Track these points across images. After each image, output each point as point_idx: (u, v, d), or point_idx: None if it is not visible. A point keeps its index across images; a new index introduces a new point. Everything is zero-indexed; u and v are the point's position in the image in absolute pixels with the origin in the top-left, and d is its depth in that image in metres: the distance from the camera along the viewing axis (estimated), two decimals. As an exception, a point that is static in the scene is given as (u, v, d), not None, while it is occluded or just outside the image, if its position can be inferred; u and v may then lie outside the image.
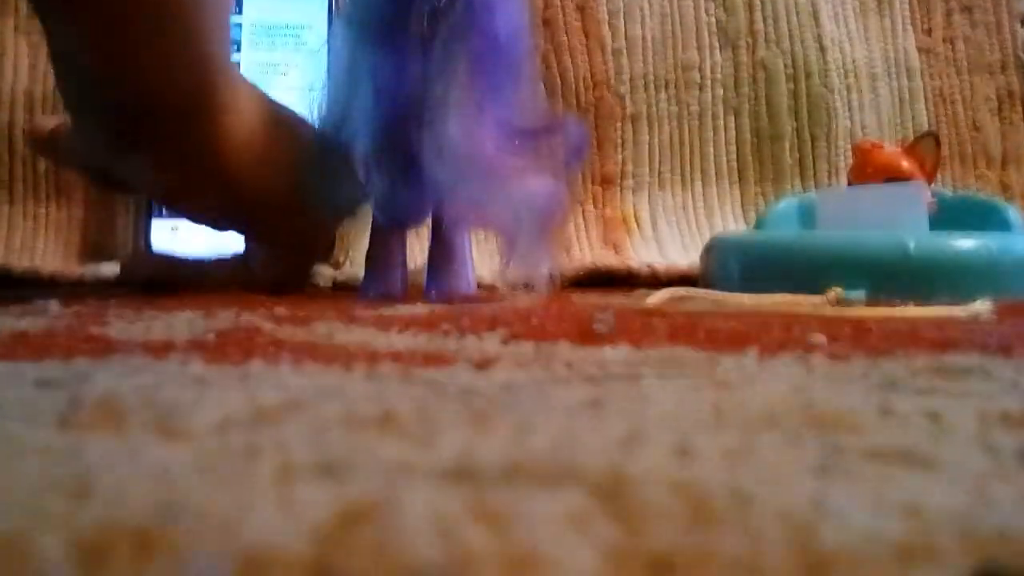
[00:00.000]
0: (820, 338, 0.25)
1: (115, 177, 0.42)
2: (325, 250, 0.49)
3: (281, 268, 0.44)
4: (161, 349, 0.22)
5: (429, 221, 0.41)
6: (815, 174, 0.65)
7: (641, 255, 0.60)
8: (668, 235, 0.62)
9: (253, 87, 0.42)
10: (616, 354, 0.22)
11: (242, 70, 0.58)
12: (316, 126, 0.40)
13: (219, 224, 0.45)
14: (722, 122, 0.65)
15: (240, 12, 0.60)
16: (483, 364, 0.20)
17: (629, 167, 0.63)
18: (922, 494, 0.11)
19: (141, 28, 0.36)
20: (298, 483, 0.11)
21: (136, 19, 0.35)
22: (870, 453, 0.13)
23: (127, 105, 0.38)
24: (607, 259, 0.57)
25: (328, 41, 0.41)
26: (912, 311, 0.32)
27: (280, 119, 0.42)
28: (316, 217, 0.42)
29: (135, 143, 0.39)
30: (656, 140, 0.64)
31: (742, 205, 0.64)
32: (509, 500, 0.10)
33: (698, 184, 0.64)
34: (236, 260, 0.45)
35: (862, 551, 0.09)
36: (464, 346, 0.23)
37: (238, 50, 0.59)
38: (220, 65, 0.39)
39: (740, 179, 0.65)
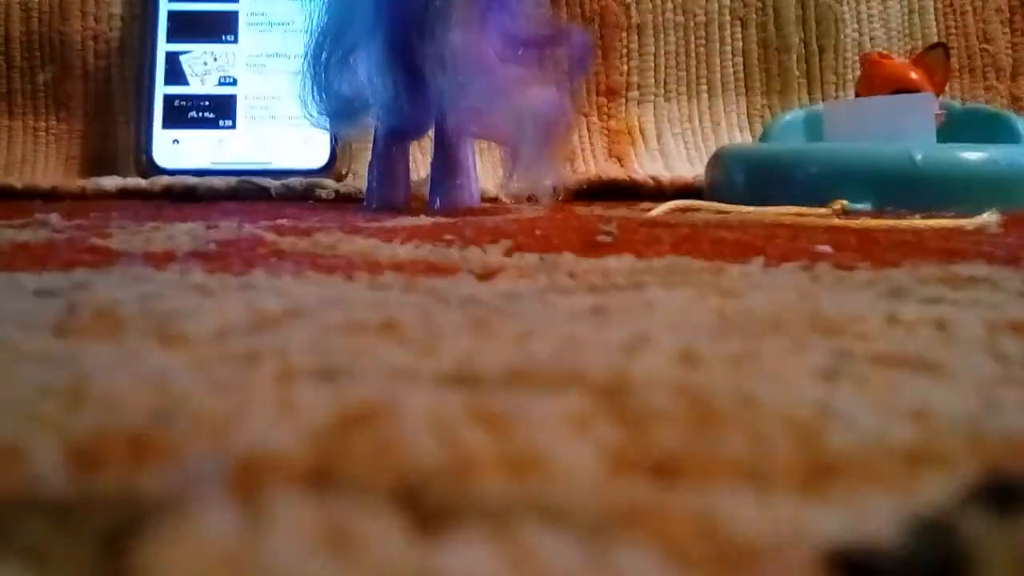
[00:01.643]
0: (826, 247, 0.25)
1: None
2: None
3: None
4: (162, 259, 0.22)
5: (432, 132, 0.41)
6: (822, 86, 0.64)
7: (646, 167, 0.59)
8: (673, 147, 0.62)
9: None
10: (620, 264, 0.21)
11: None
12: (317, 34, 0.40)
13: None
14: (728, 33, 0.64)
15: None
16: (486, 274, 0.20)
17: (634, 78, 0.63)
18: (929, 399, 0.10)
19: None
20: (297, 387, 0.11)
21: None
22: (877, 359, 0.12)
23: None
24: (611, 171, 0.57)
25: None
26: (919, 222, 0.32)
27: None
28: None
29: None
30: (661, 51, 0.63)
31: (748, 117, 0.64)
32: (510, 404, 0.10)
33: (704, 96, 0.63)
34: None
35: (869, 454, 0.09)
36: (467, 257, 0.23)
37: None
38: None
39: (746, 91, 0.64)
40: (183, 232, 0.29)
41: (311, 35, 0.40)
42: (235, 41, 0.57)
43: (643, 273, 0.20)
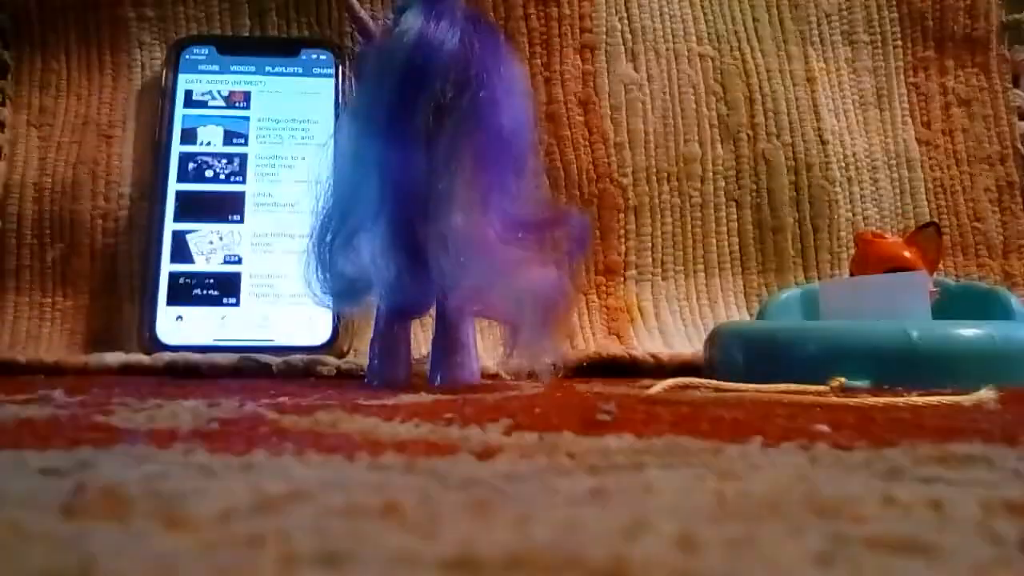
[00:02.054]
0: (824, 427, 0.25)
1: None
2: None
3: None
4: (165, 438, 0.22)
5: (433, 310, 0.42)
6: (817, 265, 0.65)
7: (644, 344, 0.60)
8: (671, 324, 0.62)
9: None
10: (619, 443, 0.22)
11: (249, 164, 0.59)
12: (322, 216, 0.40)
13: None
14: (724, 213, 0.65)
15: (248, 106, 0.61)
16: (486, 454, 0.20)
17: (632, 257, 0.64)
18: (924, 583, 0.11)
19: None
20: (300, 572, 0.11)
21: None
22: (873, 542, 0.13)
23: None
24: (611, 348, 0.57)
25: (334, 134, 0.42)
26: (916, 399, 0.32)
27: None
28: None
29: None
30: (659, 231, 0.64)
31: (745, 295, 0.64)
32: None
33: (701, 274, 0.64)
34: None
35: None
36: (467, 436, 0.23)
37: (245, 143, 0.60)
38: None
39: (743, 269, 0.65)
40: (185, 410, 0.29)
41: (316, 217, 0.41)
42: (241, 221, 0.58)
43: (642, 453, 0.20)
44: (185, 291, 0.57)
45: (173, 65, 0.62)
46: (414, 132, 0.38)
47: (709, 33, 0.68)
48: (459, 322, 0.41)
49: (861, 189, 0.67)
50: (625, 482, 0.17)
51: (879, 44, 0.70)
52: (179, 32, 0.65)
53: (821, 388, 0.36)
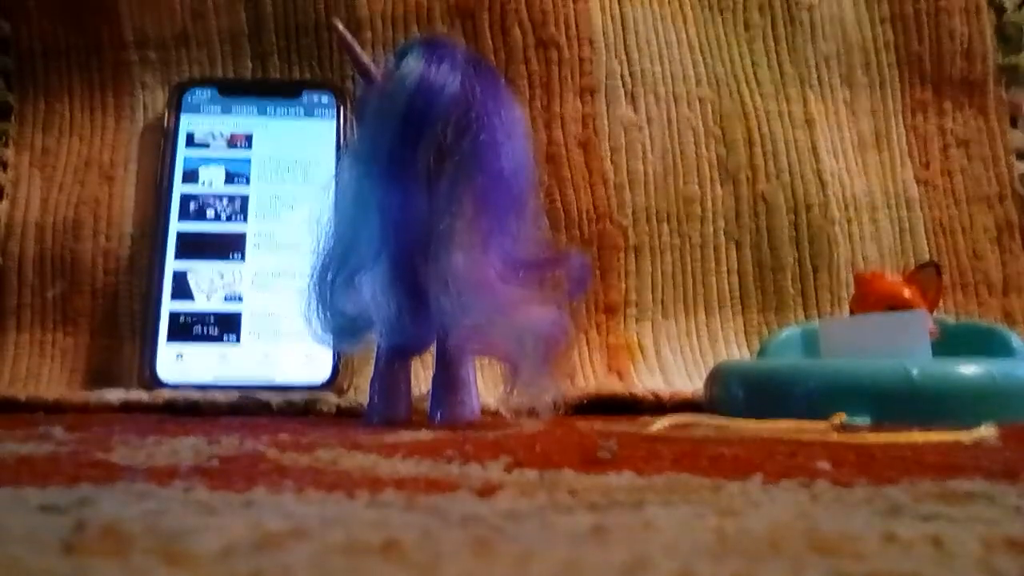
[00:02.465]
0: (824, 464, 0.25)
1: None
2: None
3: None
4: (165, 475, 0.22)
5: (434, 348, 0.42)
6: (817, 303, 0.65)
7: (645, 382, 0.60)
8: (672, 362, 0.62)
9: None
10: (620, 481, 0.22)
11: (251, 204, 0.59)
12: (323, 255, 0.41)
13: None
14: (724, 253, 0.65)
15: (249, 147, 0.61)
16: (486, 491, 0.20)
17: (632, 296, 0.64)
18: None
19: None
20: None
21: None
22: (873, 579, 0.13)
23: None
24: (611, 386, 0.57)
25: (336, 175, 0.42)
26: (916, 436, 0.32)
27: None
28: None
29: None
30: (659, 270, 0.64)
31: (745, 334, 0.64)
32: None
33: (701, 313, 0.64)
34: None
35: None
36: (467, 473, 0.23)
37: (247, 183, 0.60)
38: None
39: (743, 308, 0.65)
40: (185, 447, 0.29)
41: (318, 256, 0.41)
42: (242, 260, 0.58)
43: (643, 491, 0.20)
44: (185, 329, 0.57)
45: (175, 107, 0.62)
46: (415, 174, 0.38)
47: (708, 76, 0.68)
48: (459, 360, 0.41)
49: (860, 229, 0.67)
50: (626, 520, 0.17)
51: (877, 87, 0.71)
52: (181, 74, 0.65)
53: (821, 425, 0.36)
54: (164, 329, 0.56)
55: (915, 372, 0.41)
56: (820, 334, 0.50)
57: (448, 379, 0.41)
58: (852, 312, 0.52)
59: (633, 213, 0.64)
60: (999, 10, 0.71)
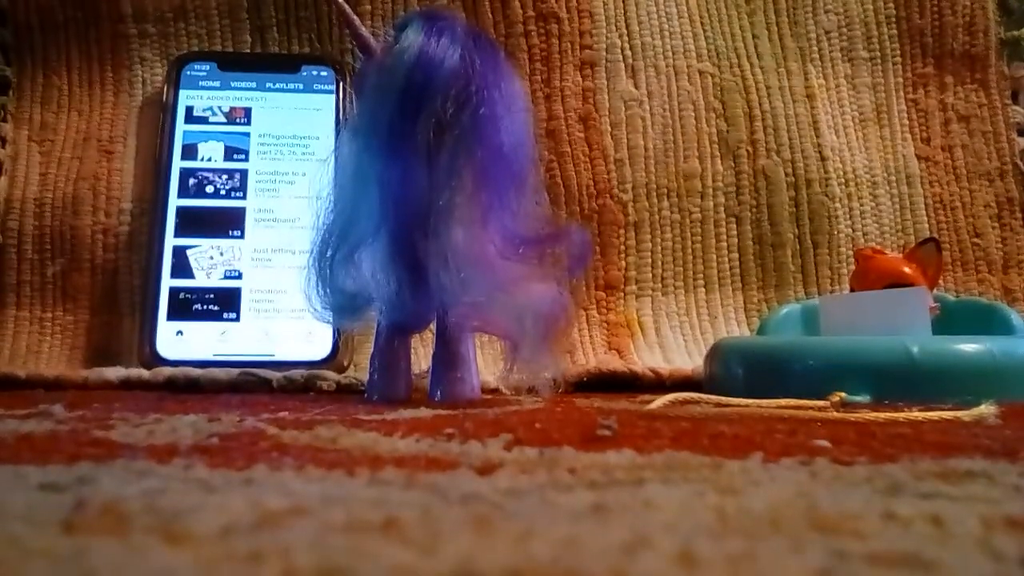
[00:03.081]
0: (824, 442, 0.25)
1: None
2: None
3: None
4: (164, 453, 0.22)
5: (434, 325, 0.42)
6: (817, 280, 0.65)
7: (645, 359, 0.60)
8: (671, 340, 0.62)
9: None
10: (619, 459, 0.22)
11: (250, 179, 0.59)
12: (323, 231, 0.41)
13: None
14: (724, 229, 0.65)
15: (248, 123, 0.61)
16: (486, 469, 0.20)
17: (632, 273, 0.64)
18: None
19: None
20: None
21: None
22: (873, 558, 0.13)
23: None
24: (611, 363, 0.57)
25: (335, 151, 0.42)
26: (916, 415, 0.32)
27: None
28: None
29: None
30: (659, 247, 0.64)
31: (745, 311, 0.64)
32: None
33: (701, 290, 0.64)
34: None
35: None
36: (467, 451, 0.23)
37: (246, 159, 0.60)
38: None
39: (743, 285, 0.65)
40: (185, 425, 0.29)
41: (317, 232, 0.41)
42: (241, 236, 0.58)
43: (643, 469, 0.20)
44: (185, 306, 0.57)
45: (174, 81, 0.62)
46: (415, 148, 0.38)
47: (709, 50, 0.68)
48: (459, 337, 0.41)
49: (861, 205, 0.67)
50: (625, 498, 0.17)
51: (878, 61, 0.71)
52: (180, 48, 0.65)
53: (821, 403, 0.36)
54: (164, 306, 0.56)
55: (915, 349, 0.41)
56: (820, 311, 0.50)
57: (448, 356, 0.41)
58: (852, 289, 0.52)
59: (633, 189, 0.64)
60: (1002, -16, 0.71)
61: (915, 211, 0.68)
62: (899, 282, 0.48)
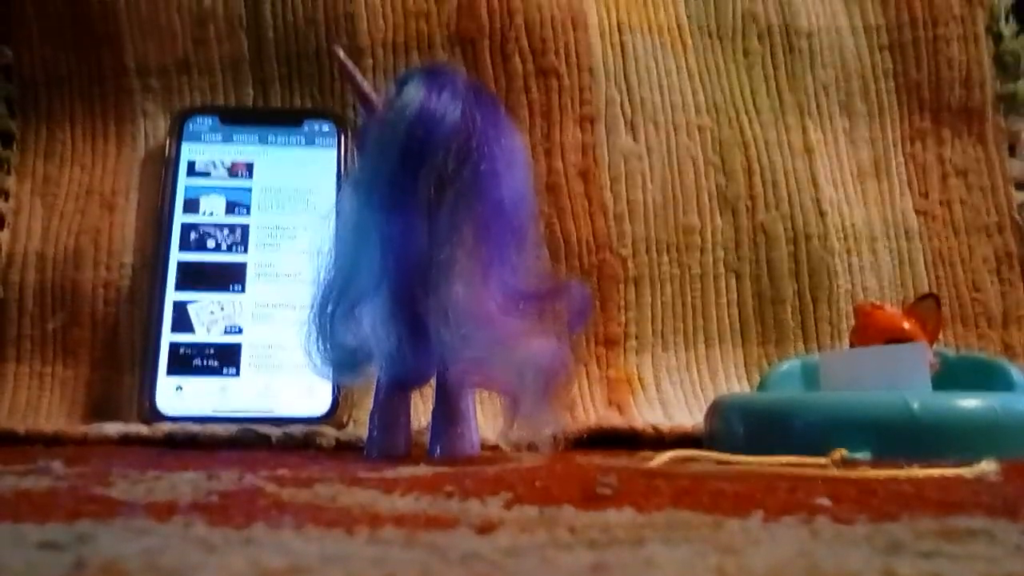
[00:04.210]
0: (825, 500, 0.25)
1: None
2: None
3: None
4: (164, 511, 0.22)
5: (434, 381, 0.42)
6: (817, 336, 0.65)
7: (645, 415, 0.60)
8: (672, 396, 0.62)
9: None
10: (620, 517, 0.22)
11: (251, 233, 0.59)
12: (323, 287, 0.41)
13: None
14: (723, 284, 0.65)
15: (250, 176, 0.61)
16: (486, 528, 0.20)
17: (632, 328, 0.64)
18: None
19: None
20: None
21: None
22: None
23: None
24: (611, 419, 0.57)
25: (336, 205, 0.42)
26: (917, 472, 0.32)
27: None
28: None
29: None
30: (658, 302, 0.64)
31: (745, 366, 0.64)
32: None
33: (701, 346, 0.64)
34: None
35: None
36: (467, 509, 0.23)
37: (248, 213, 0.60)
38: None
39: (743, 340, 0.65)
40: (184, 482, 0.29)
41: (318, 287, 0.41)
42: (242, 291, 0.58)
43: (643, 528, 0.20)
44: (185, 361, 0.57)
45: (176, 135, 0.62)
46: (415, 203, 0.38)
47: (707, 105, 0.68)
48: (459, 393, 0.41)
49: (860, 260, 0.67)
50: (626, 557, 0.17)
51: (876, 115, 0.71)
52: (183, 102, 0.65)
53: (822, 460, 0.36)
54: (164, 361, 0.56)
55: (916, 405, 0.41)
56: (820, 367, 0.50)
57: (448, 412, 0.41)
58: (852, 344, 0.52)
59: (633, 243, 0.64)
60: (997, 38, 0.72)
61: (914, 266, 0.69)
62: (899, 338, 0.48)
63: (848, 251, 0.67)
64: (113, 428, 0.52)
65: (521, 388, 0.38)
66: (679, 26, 0.70)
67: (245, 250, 0.59)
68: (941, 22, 0.72)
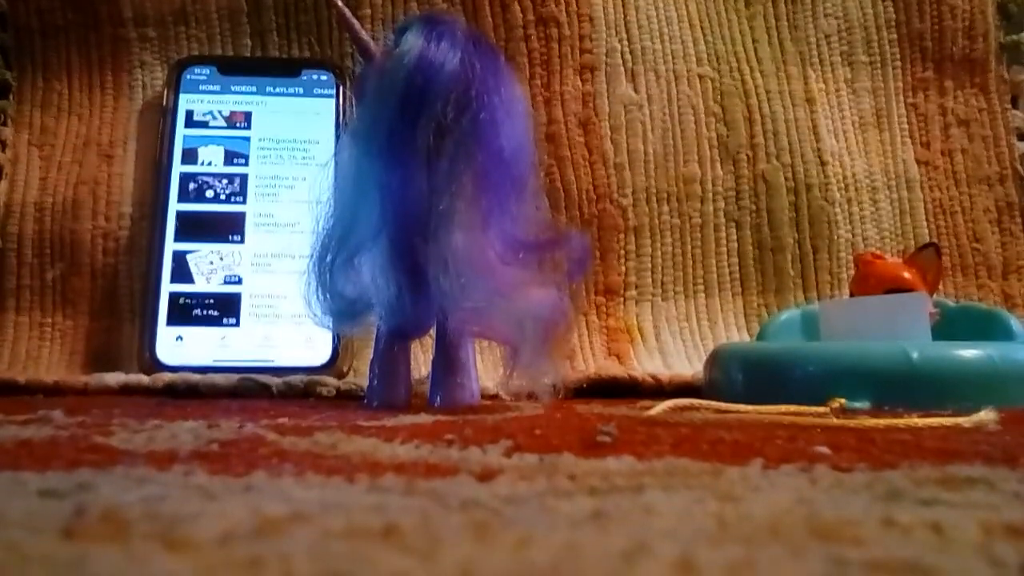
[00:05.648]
0: (824, 448, 0.25)
1: None
2: None
3: None
4: (164, 459, 0.22)
5: (433, 331, 0.42)
6: (817, 285, 0.65)
7: (645, 365, 0.60)
8: (671, 345, 0.62)
9: None
10: (619, 465, 0.22)
11: (250, 184, 0.59)
12: (323, 236, 0.40)
13: None
14: (724, 234, 0.65)
15: (249, 127, 0.61)
16: (486, 476, 0.20)
17: (632, 278, 0.64)
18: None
19: None
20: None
21: None
22: (872, 565, 0.13)
23: None
24: (610, 369, 0.57)
25: (335, 155, 0.42)
26: (916, 421, 0.32)
27: None
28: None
29: None
30: (658, 252, 0.64)
31: (745, 316, 0.64)
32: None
33: (701, 295, 0.64)
34: None
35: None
36: (467, 457, 0.23)
37: (246, 163, 0.60)
38: None
39: (743, 290, 0.65)
40: (185, 431, 0.29)
41: (317, 237, 0.41)
42: (242, 241, 0.58)
43: (643, 475, 0.20)
44: (185, 311, 0.57)
45: (174, 85, 0.62)
46: (415, 153, 0.38)
47: (708, 54, 0.68)
48: (459, 343, 0.41)
49: (861, 210, 0.67)
50: (625, 504, 0.17)
51: (878, 65, 0.71)
52: (180, 52, 0.65)
53: (821, 409, 0.36)
54: (164, 311, 0.56)
55: (915, 355, 0.41)
56: (820, 316, 0.50)
57: (448, 362, 0.41)
58: (852, 294, 0.52)
59: (633, 193, 0.64)
60: (1001, -12, 0.71)
61: (915, 216, 0.68)
62: (899, 287, 0.48)
63: (849, 201, 0.67)
64: (113, 378, 0.52)
65: (521, 337, 0.38)
66: (680, -27, 0.69)
67: (244, 200, 0.59)
68: (945, -30, 0.71)
